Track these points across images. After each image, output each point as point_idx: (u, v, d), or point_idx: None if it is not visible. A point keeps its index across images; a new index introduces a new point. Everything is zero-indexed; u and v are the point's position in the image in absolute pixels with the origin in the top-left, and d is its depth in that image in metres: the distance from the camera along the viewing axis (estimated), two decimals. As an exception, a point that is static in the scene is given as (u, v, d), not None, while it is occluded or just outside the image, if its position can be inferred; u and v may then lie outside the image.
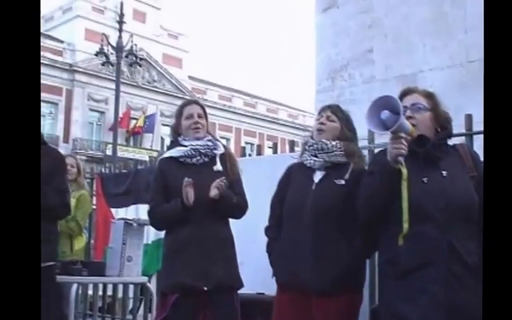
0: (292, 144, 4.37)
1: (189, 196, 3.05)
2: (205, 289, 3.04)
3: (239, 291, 3.24)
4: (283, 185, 3.02)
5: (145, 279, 4.58)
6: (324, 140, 2.87)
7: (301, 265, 2.74)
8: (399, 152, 2.26)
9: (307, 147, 2.94)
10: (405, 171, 2.26)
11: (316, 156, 2.86)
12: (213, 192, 3.05)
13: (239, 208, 3.27)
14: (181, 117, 3.34)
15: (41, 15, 26.88)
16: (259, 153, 5.47)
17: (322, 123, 2.92)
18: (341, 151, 2.83)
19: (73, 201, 4.79)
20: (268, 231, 3.06)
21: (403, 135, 2.27)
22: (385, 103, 2.28)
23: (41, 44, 34.49)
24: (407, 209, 2.24)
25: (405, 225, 2.24)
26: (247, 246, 3.54)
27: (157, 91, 39.34)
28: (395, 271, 2.30)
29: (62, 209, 3.49)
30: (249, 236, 3.59)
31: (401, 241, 2.26)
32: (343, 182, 2.77)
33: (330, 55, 5.06)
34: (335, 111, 2.97)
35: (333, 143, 2.85)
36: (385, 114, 2.25)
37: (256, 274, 3.60)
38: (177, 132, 3.37)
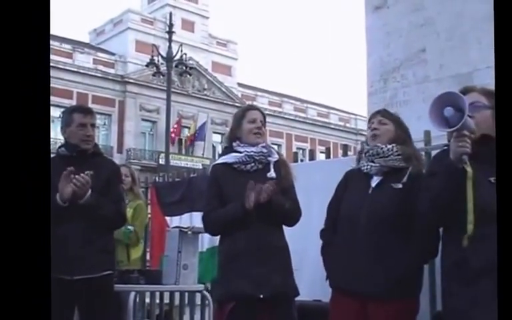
0: (345, 148, 4.32)
1: (250, 199, 3.01)
2: (261, 297, 3.01)
3: (296, 299, 3.21)
4: (340, 190, 3.00)
5: (201, 286, 4.60)
6: (379, 144, 2.83)
7: (357, 269, 2.70)
8: (464, 150, 2.19)
9: (363, 154, 2.91)
10: (470, 170, 2.19)
11: (372, 161, 2.83)
12: (262, 196, 3.02)
13: (292, 214, 3.23)
14: (243, 120, 3.31)
15: (93, 28, 27.44)
16: (312, 158, 5.42)
17: (375, 128, 2.90)
18: (398, 155, 2.79)
19: (129, 211, 4.87)
20: (323, 233, 3.04)
21: (466, 133, 2.20)
22: (448, 99, 2.21)
23: (94, 57, 35.71)
24: (472, 210, 2.17)
25: (470, 226, 2.18)
26: (301, 253, 3.51)
27: (207, 99, 39.76)
28: (463, 274, 2.23)
29: (118, 218, 3.55)
30: (303, 243, 3.56)
31: (465, 242, 2.19)
32: (400, 186, 2.72)
33: (381, 56, 4.97)
34: (385, 115, 2.96)
35: (389, 146, 2.82)
36: (449, 111, 2.18)
37: (311, 281, 3.57)
38: (233, 136, 3.34)
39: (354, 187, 2.90)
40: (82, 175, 3.24)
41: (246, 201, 3.02)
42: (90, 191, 3.27)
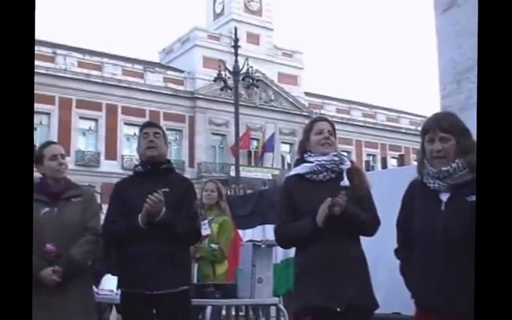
0: (419, 154, 4.18)
1: (321, 217, 2.98)
2: (338, 310, 2.96)
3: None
4: (407, 204, 2.86)
5: (276, 299, 4.59)
6: (444, 169, 2.65)
7: (438, 288, 2.59)
8: None
9: (425, 170, 2.74)
10: None
11: (440, 180, 2.67)
12: (335, 209, 2.97)
13: (369, 225, 3.15)
14: (311, 132, 3.30)
15: (163, 48, 28.07)
16: (384, 165, 5.30)
17: (438, 150, 2.67)
18: (465, 169, 2.61)
19: (215, 226, 4.91)
20: (398, 253, 2.93)
21: None
22: None
23: (164, 76, 36.65)
24: None
25: None
26: (376, 263, 3.42)
27: (275, 110, 39.92)
28: None
29: (193, 234, 3.59)
30: (377, 253, 3.47)
31: None
32: (474, 198, 2.57)
33: (453, 56, 4.80)
34: (445, 128, 2.69)
35: (454, 165, 2.62)
36: None
37: (387, 292, 3.47)
38: (303, 148, 3.33)
39: (423, 201, 2.73)
40: (155, 193, 3.31)
41: (318, 218, 2.99)
42: (164, 209, 3.33)
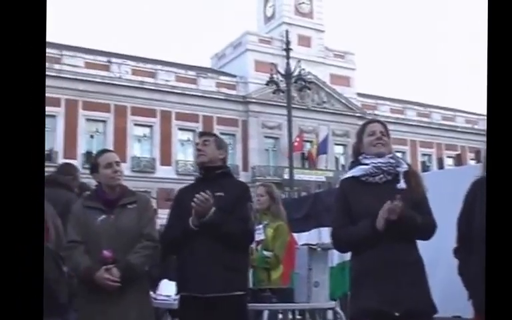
0: (477, 154, 4.04)
1: (381, 221, 2.93)
2: (396, 314, 2.89)
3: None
4: (469, 203, 2.79)
5: (333, 303, 4.52)
6: None
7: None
8: None
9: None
10: None
11: None
12: (392, 215, 2.90)
13: (426, 229, 3.07)
14: (363, 135, 3.27)
15: (215, 53, 28.40)
16: (441, 166, 5.15)
17: None
18: None
19: (270, 231, 4.87)
20: (457, 253, 2.86)
21: None
22: None
23: (217, 81, 37.05)
24: None
25: None
26: (434, 265, 3.32)
27: (327, 112, 39.69)
28: None
29: (245, 237, 3.59)
30: (435, 254, 3.38)
31: None
32: None
33: None
34: None
35: None
36: None
37: (445, 295, 3.37)
38: (357, 150, 3.29)
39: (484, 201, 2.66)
40: (201, 193, 3.33)
41: (378, 223, 2.93)
42: (213, 209, 3.34)
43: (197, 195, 3.34)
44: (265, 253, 4.81)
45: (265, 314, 4.21)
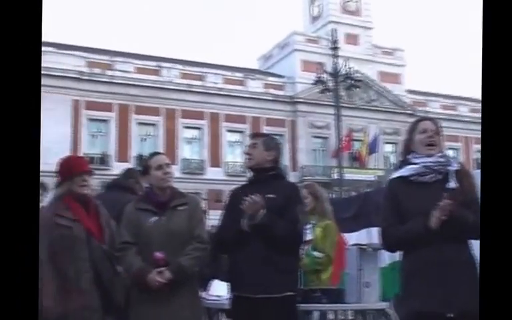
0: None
1: (435, 219, 2.89)
2: (449, 316, 2.84)
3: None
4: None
5: (384, 304, 4.48)
6: None
7: None
8: None
9: None
10: None
11: None
12: (443, 215, 2.86)
13: (478, 228, 3.00)
14: (414, 132, 3.22)
15: (262, 54, 28.50)
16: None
17: None
18: None
19: (318, 231, 4.85)
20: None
21: None
22: None
23: (264, 82, 37.14)
24: None
25: None
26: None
27: (377, 110, 39.18)
28: None
29: (294, 239, 3.58)
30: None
31: None
32: None
33: None
34: None
35: None
36: None
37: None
38: (407, 149, 3.25)
39: None
40: (251, 195, 3.36)
41: (431, 221, 2.89)
42: (263, 211, 3.37)
43: (247, 198, 3.38)
44: (315, 253, 4.79)
45: (315, 314, 4.21)
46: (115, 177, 5.10)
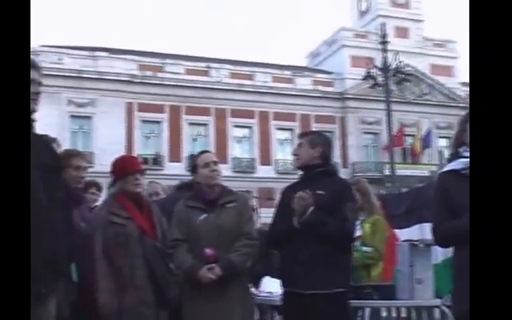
0: None
1: None
2: None
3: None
4: None
5: (438, 301, 4.40)
6: None
7: None
8: None
9: None
10: None
11: None
12: None
13: None
14: (467, 124, 3.14)
15: (310, 52, 28.26)
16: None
17: None
18: None
19: (367, 227, 4.82)
20: None
21: None
22: None
23: (313, 79, 36.97)
24: None
25: None
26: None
27: (429, 104, 38.36)
28: None
29: (343, 236, 3.57)
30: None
31: None
32: None
33: None
34: None
35: None
36: None
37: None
38: (459, 142, 3.17)
39: None
40: (300, 192, 3.38)
41: None
42: (312, 208, 3.37)
43: (296, 195, 3.40)
44: (365, 248, 4.76)
45: (367, 311, 4.18)
46: (186, 179, 5.16)
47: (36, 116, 2.75)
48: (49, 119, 25.59)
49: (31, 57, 2.11)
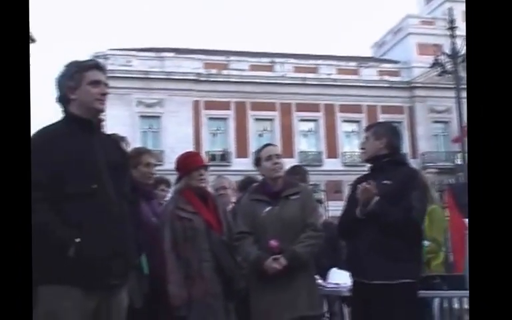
0: None
1: None
2: None
3: None
4: None
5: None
6: None
7: None
8: None
9: None
10: None
11: None
12: None
13: None
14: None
15: (375, 41, 27.76)
16: None
17: None
18: None
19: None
20: None
21: None
22: None
23: (379, 69, 36.33)
24: None
25: None
26: None
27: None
28: None
29: (408, 226, 3.50)
30: None
31: None
32: None
33: None
34: None
35: None
36: None
37: None
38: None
39: None
40: (363, 183, 3.37)
41: None
42: (376, 199, 3.36)
43: (359, 185, 3.40)
44: (424, 242, 4.66)
45: (436, 302, 4.12)
46: (253, 174, 5.25)
47: (106, 116, 2.90)
48: (121, 120, 26.54)
49: (99, 60, 2.23)
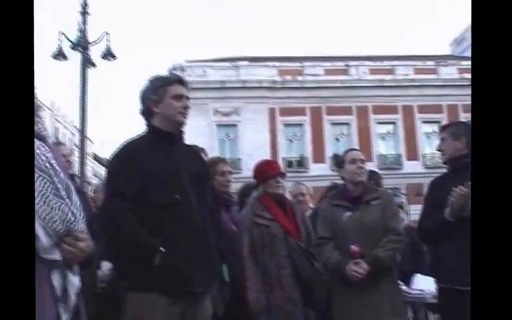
0: None
1: None
2: None
3: None
4: None
5: None
6: None
7: None
8: None
9: None
10: None
11: None
12: None
13: None
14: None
15: (453, 39, 26.92)
16: None
17: None
18: None
19: None
20: None
21: None
22: None
23: (458, 67, 35.16)
24: None
25: None
26: None
27: None
28: None
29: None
30: None
31: None
32: None
33: None
34: None
35: None
36: None
37: None
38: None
39: None
40: (460, 186, 3.22)
41: None
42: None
43: (456, 189, 3.25)
44: None
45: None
46: (331, 179, 5.24)
47: (187, 127, 2.98)
48: (200, 130, 27.14)
49: (176, 72, 2.28)
